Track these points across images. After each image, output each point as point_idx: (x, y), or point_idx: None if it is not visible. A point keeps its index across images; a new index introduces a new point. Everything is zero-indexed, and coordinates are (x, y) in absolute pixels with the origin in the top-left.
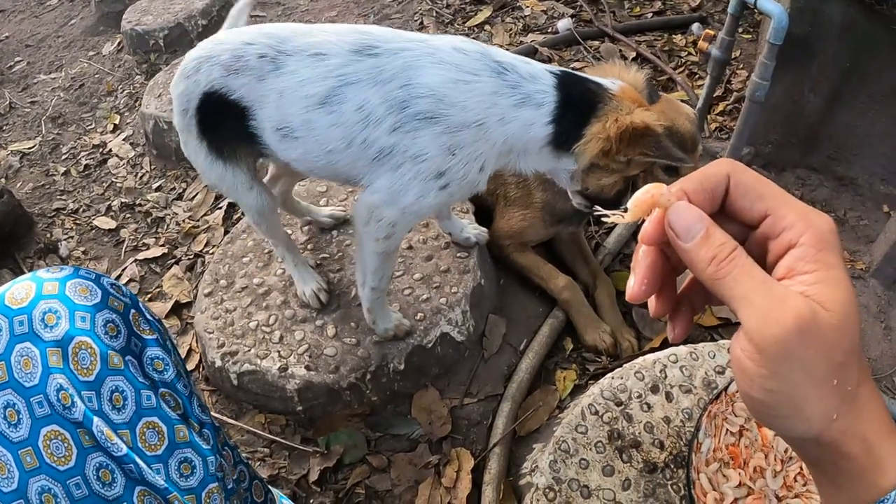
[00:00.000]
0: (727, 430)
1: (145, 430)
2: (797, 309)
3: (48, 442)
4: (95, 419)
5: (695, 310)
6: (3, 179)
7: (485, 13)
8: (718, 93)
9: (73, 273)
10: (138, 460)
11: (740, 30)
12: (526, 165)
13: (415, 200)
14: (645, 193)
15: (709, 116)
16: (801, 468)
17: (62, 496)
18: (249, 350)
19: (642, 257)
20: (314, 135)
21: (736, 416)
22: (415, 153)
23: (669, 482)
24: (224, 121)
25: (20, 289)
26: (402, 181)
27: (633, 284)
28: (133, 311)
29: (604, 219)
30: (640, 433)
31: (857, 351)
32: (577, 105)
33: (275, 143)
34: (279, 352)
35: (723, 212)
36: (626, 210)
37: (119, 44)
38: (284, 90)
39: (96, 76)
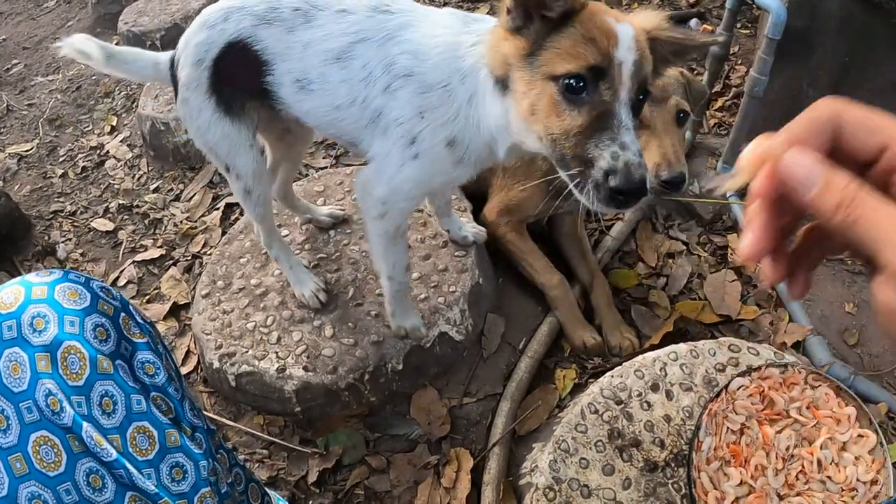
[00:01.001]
0: (728, 428)
1: (136, 434)
2: None
3: (38, 448)
4: (85, 424)
5: (813, 264)
6: (0, 182)
7: (482, 11)
8: (717, 89)
9: (63, 277)
10: (128, 465)
11: (738, 25)
12: (496, 140)
13: (395, 172)
14: (752, 151)
15: (708, 112)
16: (803, 466)
17: (52, 502)
18: (247, 351)
19: (755, 215)
20: (327, 88)
21: (737, 413)
22: (396, 116)
23: (670, 481)
24: (240, 73)
25: (9, 293)
26: (387, 147)
27: (748, 243)
28: (123, 314)
29: (716, 191)
30: (640, 432)
31: None
32: None
33: (291, 96)
34: (277, 353)
35: (832, 156)
36: (733, 177)
37: (116, 45)
38: (310, 43)
39: (93, 78)
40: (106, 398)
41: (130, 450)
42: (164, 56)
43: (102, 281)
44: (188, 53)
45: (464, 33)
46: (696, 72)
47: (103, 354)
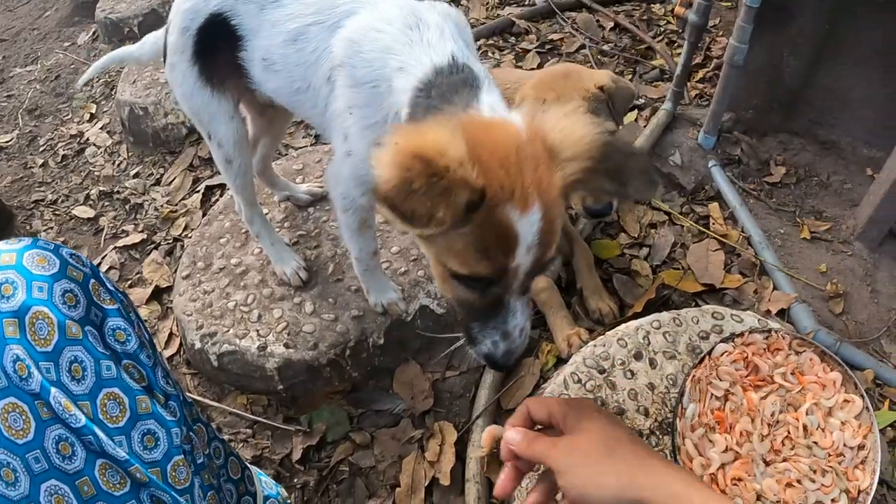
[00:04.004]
0: (712, 394)
1: (106, 401)
2: None
3: (6, 415)
4: (53, 390)
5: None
6: None
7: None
8: (698, 60)
9: (32, 244)
10: (98, 432)
11: None
12: None
13: (340, 169)
14: (487, 433)
15: (688, 84)
16: (789, 432)
17: (21, 470)
18: (228, 330)
19: (506, 467)
20: (287, 70)
21: (720, 380)
22: (334, 108)
23: (656, 449)
24: (219, 47)
25: None
26: (335, 142)
27: (500, 485)
28: (93, 280)
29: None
30: (624, 401)
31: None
32: (434, 98)
33: (259, 74)
34: (258, 331)
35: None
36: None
37: (94, 33)
38: (276, 22)
39: (72, 66)
40: (75, 364)
41: (101, 416)
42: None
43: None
44: (177, 20)
45: (400, 43)
46: (676, 44)
47: (72, 320)
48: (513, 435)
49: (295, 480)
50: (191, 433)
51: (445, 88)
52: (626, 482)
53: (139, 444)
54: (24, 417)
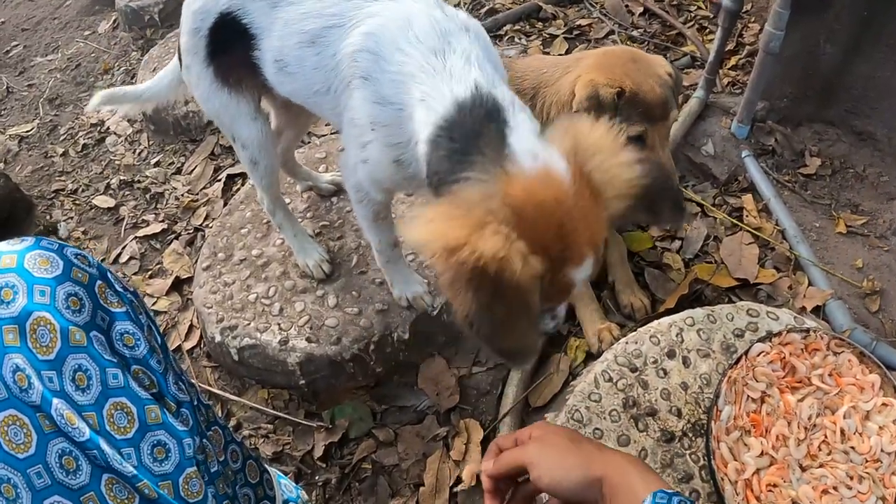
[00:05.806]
0: (748, 396)
1: (113, 411)
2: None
3: (6, 428)
4: (55, 401)
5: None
6: (1, 164)
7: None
8: (730, 47)
9: (34, 244)
10: (104, 445)
11: None
12: None
13: (353, 168)
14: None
15: (721, 71)
16: (826, 436)
17: (22, 486)
18: (249, 324)
19: (488, 486)
20: (303, 73)
21: (757, 381)
22: (352, 116)
23: (688, 451)
24: (232, 47)
25: None
26: (347, 141)
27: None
28: (99, 282)
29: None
30: (656, 401)
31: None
32: (458, 139)
33: (272, 76)
34: (279, 324)
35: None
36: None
37: (114, 21)
38: (289, 21)
39: (92, 55)
40: (79, 373)
41: (108, 428)
42: None
43: (85, 250)
44: (187, 20)
45: (424, 72)
46: (708, 30)
47: (76, 325)
48: (485, 464)
49: (316, 478)
50: (204, 441)
51: (469, 127)
52: (588, 463)
53: (149, 457)
54: (24, 431)
